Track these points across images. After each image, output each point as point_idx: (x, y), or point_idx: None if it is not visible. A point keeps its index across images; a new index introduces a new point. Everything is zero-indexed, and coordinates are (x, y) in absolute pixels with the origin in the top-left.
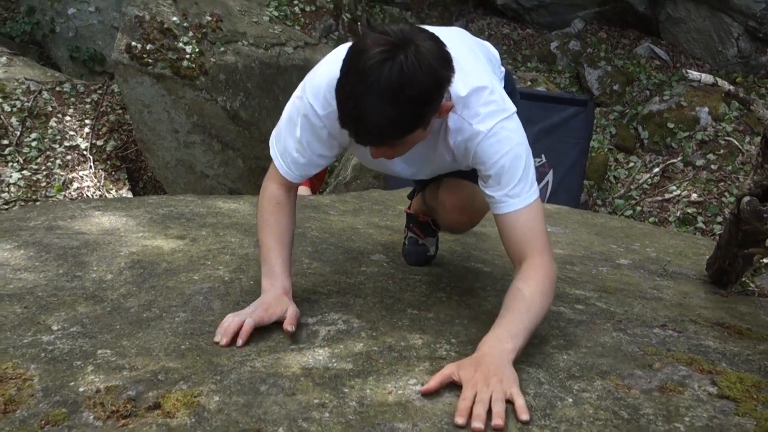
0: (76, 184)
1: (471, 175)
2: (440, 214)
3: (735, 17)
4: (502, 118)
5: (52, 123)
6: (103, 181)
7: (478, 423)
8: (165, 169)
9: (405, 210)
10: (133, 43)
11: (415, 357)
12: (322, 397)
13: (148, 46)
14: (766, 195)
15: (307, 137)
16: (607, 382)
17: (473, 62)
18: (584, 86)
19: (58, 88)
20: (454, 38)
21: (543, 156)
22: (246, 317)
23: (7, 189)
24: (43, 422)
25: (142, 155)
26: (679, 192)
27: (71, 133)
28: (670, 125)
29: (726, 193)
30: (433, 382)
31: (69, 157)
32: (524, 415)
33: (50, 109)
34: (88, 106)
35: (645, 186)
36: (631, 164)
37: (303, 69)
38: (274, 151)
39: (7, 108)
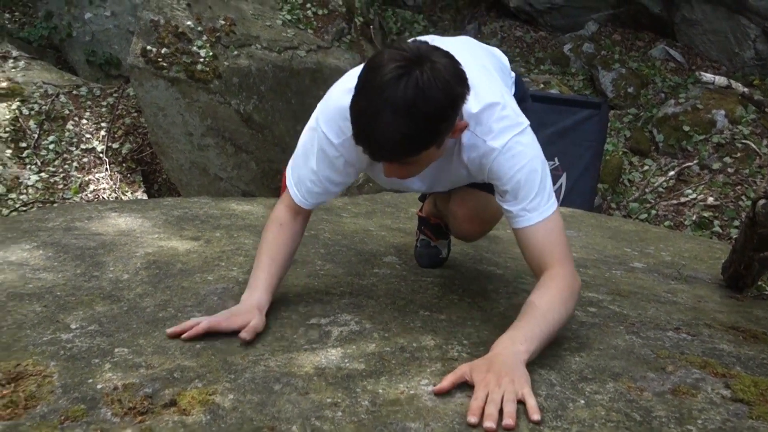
0: (92, 186)
1: (485, 185)
2: (451, 223)
3: (752, 19)
4: (516, 133)
5: (69, 126)
6: (118, 184)
7: (489, 422)
8: (179, 172)
9: (417, 213)
10: (149, 47)
11: (427, 358)
12: (334, 397)
13: (163, 50)
14: None
15: (322, 168)
16: (619, 385)
17: (484, 78)
18: (598, 89)
19: (74, 92)
20: (464, 52)
21: (556, 159)
22: (203, 320)
23: (25, 191)
24: (62, 418)
25: (156, 158)
26: (694, 195)
27: (88, 136)
28: (686, 128)
29: (743, 197)
30: (446, 381)
31: (85, 160)
32: (535, 415)
33: (67, 112)
34: (104, 109)
35: (660, 189)
36: (646, 167)
37: (315, 72)
38: (289, 181)
39: (25, 111)
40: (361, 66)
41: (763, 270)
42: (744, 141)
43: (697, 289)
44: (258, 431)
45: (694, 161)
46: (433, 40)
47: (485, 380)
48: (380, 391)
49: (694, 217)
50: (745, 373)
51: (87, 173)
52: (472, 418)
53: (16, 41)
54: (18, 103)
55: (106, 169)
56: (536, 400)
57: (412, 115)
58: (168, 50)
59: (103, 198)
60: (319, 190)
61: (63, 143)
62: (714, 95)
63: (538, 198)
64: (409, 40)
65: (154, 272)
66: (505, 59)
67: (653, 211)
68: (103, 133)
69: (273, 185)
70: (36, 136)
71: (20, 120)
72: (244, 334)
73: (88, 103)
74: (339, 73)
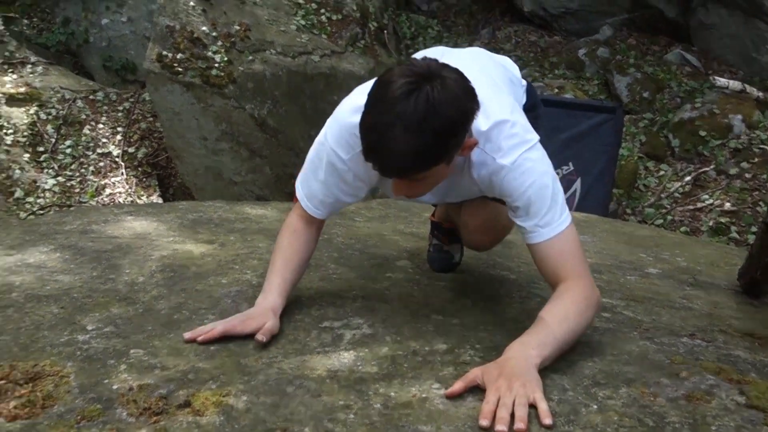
0: (108, 190)
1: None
2: (463, 233)
3: None
4: (525, 149)
5: (86, 130)
6: (134, 188)
7: (501, 426)
8: (194, 176)
9: (430, 217)
10: (164, 53)
11: (439, 362)
12: (347, 399)
13: (179, 56)
14: None
15: (332, 181)
16: (632, 390)
17: (493, 94)
18: (613, 93)
19: (91, 97)
20: (473, 67)
21: (571, 164)
22: (218, 324)
23: (42, 194)
24: (79, 417)
25: (172, 162)
26: (711, 201)
27: (104, 140)
28: (702, 133)
29: (761, 203)
30: (458, 385)
31: (102, 164)
32: (547, 420)
33: (84, 117)
34: (120, 114)
35: (676, 195)
36: (662, 172)
37: (329, 77)
38: (299, 193)
39: (43, 116)
40: (370, 82)
41: None
42: (761, 146)
43: (713, 295)
44: None
45: (711, 166)
46: (443, 51)
47: (496, 384)
48: (392, 394)
49: (710, 223)
50: (760, 380)
51: (103, 177)
52: (484, 422)
53: (34, 47)
54: (36, 108)
55: (122, 173)
56: (548, 405)
57: (423, 131)
58: (183, 55)
59: (119, 202)
60: (331, 201)
61: (80, 147)
62: (731, 100)
63: (551, 213)
64: (418, 55)
65: (169, 275)
66: (515, 68)
67: (669, 217)
68: (119, 137)
69: (287, 189)
70: (53, 140)
71: (38, 125)
72: (260, 336)
73: (105, 107)
74: (353, 77)
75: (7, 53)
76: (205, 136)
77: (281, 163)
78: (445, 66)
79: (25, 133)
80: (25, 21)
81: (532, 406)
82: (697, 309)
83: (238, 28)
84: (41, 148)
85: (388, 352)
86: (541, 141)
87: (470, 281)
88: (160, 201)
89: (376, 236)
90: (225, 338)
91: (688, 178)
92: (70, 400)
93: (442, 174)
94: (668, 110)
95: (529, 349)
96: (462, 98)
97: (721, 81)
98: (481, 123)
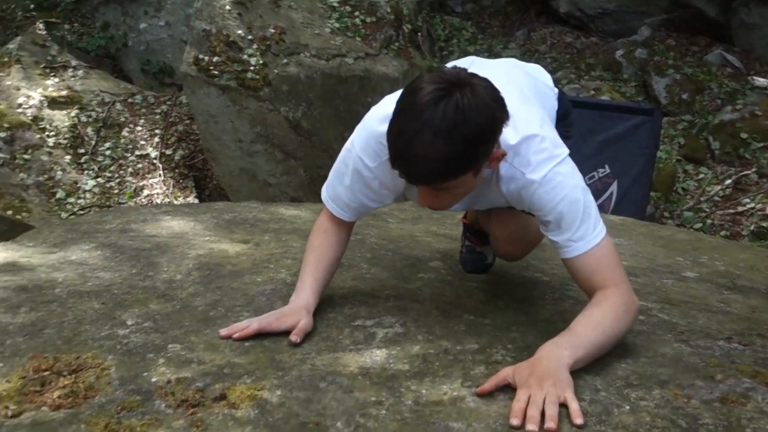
0: (146, 192)
1: None
2: (492, 243)
3: None
4: (555, 164)
5: (125, 133)
6: (171, 189)
7: (531, 425)
8: (229, 178)
9: (462, 219)
10: (201, 56)
11: (470, 361)
12: (378, 396)
13: (215, 59)
14: None
15: (357, 187)
16: (665, 392)
17: (523, 107)
18: (651, 95)
19: (130, 100)
20: (502, 77)
21: (607, 166)
22: (253, 322)
23: (83, 195)
24: (119, 408)
25: (208, 164)
26: (753, 205)
27: (142, 142)
28: (743, 135)
29: None
30: (489, 383)
31: (140, 166)
32: (578, 419)
33: (123, 119)
34: (158, 116)
35: (716, 198)
36: (701, 176)
37: (363, 79)
38: (325, 196)
39: (83, 119)
40: (401, 91)
41: None
42: None
43: (752, 299)
44: (304, 426)
45: (752, 169)
46: (473, 61)
47: (527, 383)
48: (423, 391)
49: (751, 227)
50: None
51: (141, 179)
52: (515, 420)
53: (75, 51)
54: (77, 111)
55: (160, 174)
56: (579, 404)
57: (452, 137)
58: (219, 59)
59: (157, 202)
60: (356, 205)
61: (119, 149)
62: None
63: (584, 227)
64: (449, 65)
65: (205, 273)
66: (547, 78)
67: (708, 221)
68: (156, 139)
69: (320, 191)
70: (93, 142)
71: (78, 127)
72: (294, 337)
73: (143, 110)
74: (386, 80)
75: (49, 57)
76: (241, 138)
77: (315, 165)
78: (475, 75)
79: (67, 136)
80: (66, 26)
81: (563, 406)
82: (734, 313)
83: (273, 31)
84: (82, 150)
85: (420, 350)
86: (573, 147)
87: (503, 282)
88: (197, 202)
89: (408, 237)
90: (259, 335)
91: (728, 182)
92: (110, 391)
93: (469, 185)
94: (708, 112)
95: (561, 349)
96: (492, 106)
97: (761, 81)
98: (510, 136)
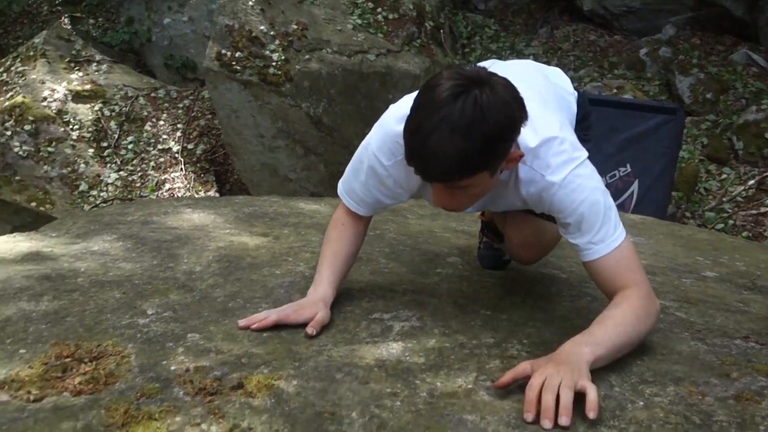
0: (168, 185)
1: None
2: (507, 246)
3: None
4: (574, 166)
5: (147, 127)
6: (192, 183)
7: (546, 421)
8: (250, 172)
9: (480, 216)
10: (223, 51)
11: (486, 355)
12: (394, 387)
13: (237, 54)
14: None
15: (372, 183)
16: (680, 389)
17: (541, 110)
18: (674, 94)
19: (153, 94)
20: (521, 80)
21: (628, 165)
22: (272, 314)
23: (105, 188)
24: (138, 394)
25: (229, 158)
26: None
27: (164, 136)
28: None
29: None
30: (507, 377)
31: (162, 160)
32: (592, 413)
33: (146, 113)
34: (180, 111)
35: (739, 199)
36: (724, 176)
37: (385, 75)
38: (340, 190)
39: (107, 113)
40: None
41: None
42: None
43: None
44: (319, 416)
45: None
46: (492, 63)
47: (543, 368)
48: (438, 384)
49: None
50: None
51: (163, 172)
52: (528, 416)
53: (99, 46)
54: (100, 105)
55: (181, 168)
56: (597, 395)
57: (470, 134)
58: (242, 54)
59: (178, 197)
60: (371, 201)
61: (141, 143)
62: None
63: (604, 229)
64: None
65: (224, 265)
66: (566, 81)
67: (730, 221)
68: (178, 134)
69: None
70: (116, 136)
71: (102, 121)
72: (310, 330)
73: (165, 105)
74: (408, 77)
75: (73, 52)
76: (262, 133)
77: (336, 161)
78: (494, 73)
79: (90, 129)
80: (91, 21)
81: (579, 393)
82: (753, 312)
83: (295, 27)
84: (105, 144)
85: (436, 344)
86: (592, 150)
87: (520, 279)
88: (217, 196)
89: (427, 233)
90: (277, 327)
91: (751, 182)
92: (130, 378)
93: (485, 185)
94: (732, 112)
95: (582, 346)
96: (511, 105)
97: None
98: (529, 139)
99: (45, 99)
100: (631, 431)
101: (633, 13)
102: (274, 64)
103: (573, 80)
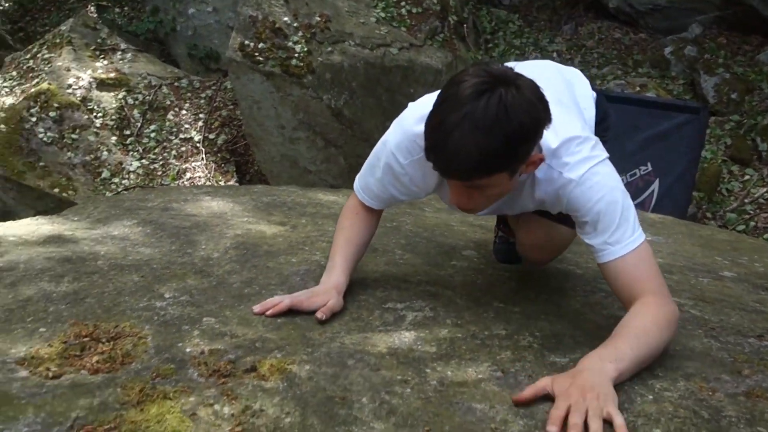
0: (188, 174)
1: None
2: (518, 248)
3: None
4: (593, 164)
5: (170, 116)
6: (213, 173)
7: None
8: (270, 163)
9: None
10: (246, 42)
11: (497, 346)
12: (404, 375)
13: (260, 45)
14: None
15: (387, 180)
16: (691, 384)
17: (562, 112)
18: (699, 94)
19: (176, 84)
20: (542, 82)
21: (649, 164)
22: (285, 299)
23: (127, 176)
24: (154, 374)
25: (249, 149)
26: None
27: (186, 126)
28: None
29: None
30: (527, 392)
31: (183, 149)
32: None
33: (168, 103)
34: (202, 101)
35: (761, 200)
36: (747, 177)
37: (407, 69)
38: (357, 187)
39: (130, 101)
40: (438, 92)
41: None
42: None
43: None
44: (330, 400)
45: None
46: (516, 66)
47: (568, 392)
48: (449, 373)
49: None
50: None
51: (184, 162)
52: (553, 428)
53: (124, 34)
54: (124, 93)
55: (202, 158)
56: (624, 419)
57: (493, 132)
58: (265, 45)
59: (198, 185)
60: (386, 197)
61: (163, 132)
62: None
63: (621, 230)
64: None
65: (242, 252)
66: (584, 82)
67: (752, 223)
68: (200, 123)
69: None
70: (139, 124)
71: (125, 109)
72: (320, 314)
73: (188, 94)
74: (430, 71)
75: (99, 40)
76: (283, 124)
77: (356, 153)
78: (521, 74)
79: (113, 117)
80: (117, 10)
81: (606, 421)
82: None
83: (318, 19)
84: (127, 132)
85: (448, 334)
86: (614, 146)
87: (535, 273)
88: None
89: (444, 226)
90: (291, 312)
91: None
92: (146, 358)
93: (503, 187)
94: (757, 113)
95: (605, 362)
96: (537, 106)
97: None
98: (550, 140)
99: (70, 86)
100: (639, 424)
101: (659, 11)
102: (296, 55)
103: (596, 78)
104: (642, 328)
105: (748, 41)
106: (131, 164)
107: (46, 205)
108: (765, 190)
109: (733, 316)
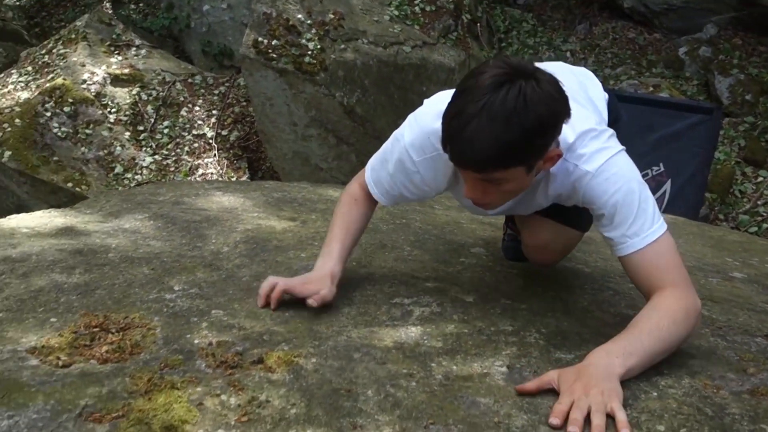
0: (201, 170)
1: (558, 214)
2: (524, 249)
3: None
4: (610, 155)
5: (183, 112)
6: (225, 169)
7: (574, 427)
8: (282, 160)
9: None
10: (260, 39)
11: (503, 342)
12: (410, 368)
13: (274, 42)
14: None
15: (398, 176)
16: (695, 382)
17: (579, 108)
18: (713, 95)
19: (189, 80)
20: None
21: (661, 164)
22: (279, 281)
23: (140, 171)
24: (162, 365)
25: (262, 146)
26: None
27: (199, 122)
28: None
29: None
30: (531, 384)
31: (196, 145)
32: (625, 431)
33: (182, 99)
34: (215, 97)
35: None
36: (760, 179)
37: (420, 68)
38: (368, 177)
39: (144, 97)
40: (453, 90)
41: None
42: None
43: None
44: (335, 392)
45: None
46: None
47: (572, 388)
48: (454, 367)
49: None
50: None
51: (197, 158)
52: (555, 420)
53: (139, 31)
54: (138, 89)
55: (215, 154)
56: (626, 415)
57: (511, 124)
58: (278, 42)
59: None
60: (395, 193)
61: (176, 128)
62: None
63: (639, 222)
64: None
65: (251, 246)
66: (596, 83)
67: (765, 225)
68: (213, 120)
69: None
70: (152, 120)
71: (139, 105)
72: (311, 301)
73: (202, 91)
74: (443, 69)
75: (114, 36)
76: (295, 121)
77: (367, 151)
78: (540, 68)
79: (127, 113)
80: (132, 6)
81: (609, 417)
82: None
83: (332, 16)
84: (141, 127)
85: (454, 329)
86: (626, 146)
87: (543, 271)
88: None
89: (453, 224)
90: (298, 305)
91: None
92: (155, 349)
93: (519, 183)
94: None
95: (612, 357)
96: (556, 99)
97: None
98: (568, 135)
99: (84, 81)
100: (642, 420)
101: (674, 12)
102: (309, 53)
103: (610, 78)
104: (656, 322)
105: (763, 42)
106: (144, 160)
107: (59, 200)
108: None
109: (740, 316)
